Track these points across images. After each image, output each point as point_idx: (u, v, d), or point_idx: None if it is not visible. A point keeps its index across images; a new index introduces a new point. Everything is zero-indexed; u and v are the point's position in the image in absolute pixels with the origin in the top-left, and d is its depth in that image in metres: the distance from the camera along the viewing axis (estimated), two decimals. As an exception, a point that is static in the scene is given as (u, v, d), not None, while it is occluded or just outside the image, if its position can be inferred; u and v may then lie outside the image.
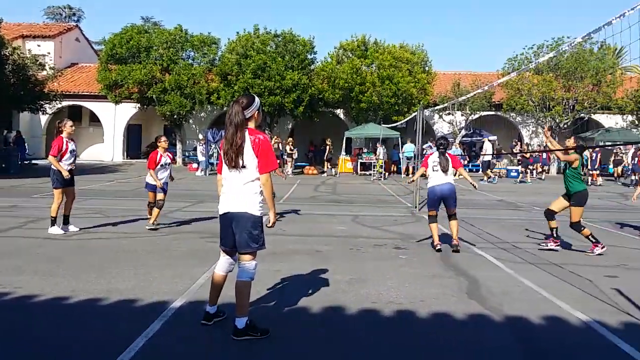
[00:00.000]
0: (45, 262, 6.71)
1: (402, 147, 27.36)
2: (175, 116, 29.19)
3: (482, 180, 23.52)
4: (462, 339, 4.50)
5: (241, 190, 4.32)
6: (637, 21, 5.73)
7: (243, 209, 4.31)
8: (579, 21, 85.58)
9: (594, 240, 8.06)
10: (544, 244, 8.49)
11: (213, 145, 25.53)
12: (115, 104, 30.66)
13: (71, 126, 9.08)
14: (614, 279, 6.58)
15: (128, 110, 32.25)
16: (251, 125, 4.41)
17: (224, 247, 4.52)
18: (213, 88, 29.07)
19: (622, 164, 25.76)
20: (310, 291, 5.69)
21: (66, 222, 9.05)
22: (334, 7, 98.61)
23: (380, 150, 26.98)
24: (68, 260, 6.89)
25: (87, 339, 4.30)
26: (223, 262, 4.58)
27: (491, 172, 24.88)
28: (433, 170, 8.20)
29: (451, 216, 8.26)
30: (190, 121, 32.41)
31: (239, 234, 4.32)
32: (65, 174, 8.76)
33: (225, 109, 30.30)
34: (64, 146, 8.89)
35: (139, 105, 30.41)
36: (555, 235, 8.39)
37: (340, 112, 32.05)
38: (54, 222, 8.87)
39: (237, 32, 29.83)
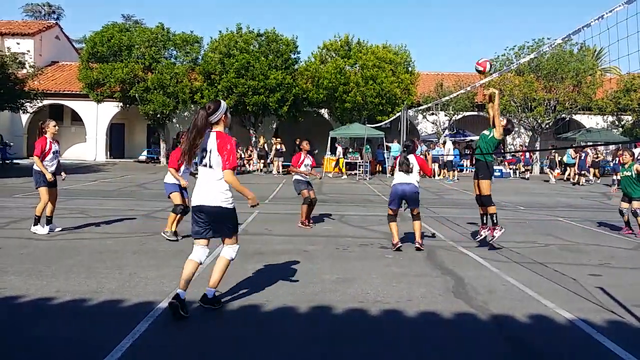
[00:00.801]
0: (30, 263, 6.62)
1: (386, 147, 27.50)
2: (158, 115, 29.01)
3: (447, 179, 23.73)
4: (449, 338, 4.53)
5: (214, 186, 4.74)
6: (615, 23, 5.81)
7: (216, 204, 4.74)
8: (558, 23, 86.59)
9: (495, 221, 8.23)
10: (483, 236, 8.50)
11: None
12: (97, 103, 30.38)
13: (54, 126, 8.93)
14: (598, 277, 6.67)
15: (110, 109, 31.97)
16: (219, 128, 4.83)
17: (198, 237, 4.91)
18: (196, 87, 28.93)
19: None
20: (297, 291, 5.68)
21: (49, 222, 8.93)
22: (317, 6, 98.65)
23: (340, 149, 27.21)
24: (52, 260, 6.80)
25: (73, 339, 4.25)
26: (200, 251, 4.94)
27: (448, 172, 24.99)
28: (398, 170, 8.35)
29: (414, 216, 8.31)
30: (174, 120, 32.21)
31: (217, 225, 4.85)
32: (49, 177, 8.59)
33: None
34: (47, 147, 8.74)
35: (121, 104, 30.16)
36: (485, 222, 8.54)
37: (324, 112, 32.08)
38: (37, 221, 8.72)
39: (220, 31, 29.80)
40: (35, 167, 8.73)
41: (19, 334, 4.35)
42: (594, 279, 6.58)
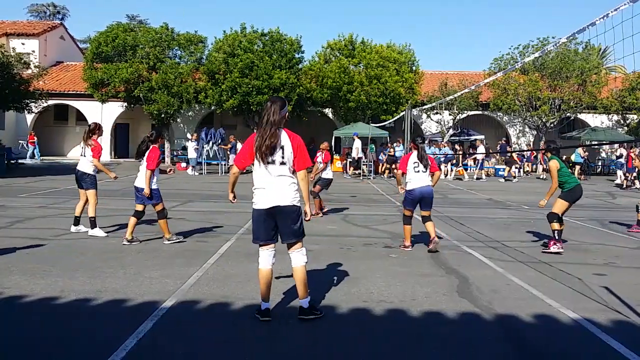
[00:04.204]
0: (34, 263, 6.63)
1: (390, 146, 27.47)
2: (162, 115, 29.02)
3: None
4: (453, 337, 4.52)
5: (284, 183, 4.64)
6: (620, 22, 5.78)
7: (289, 202, 4.64)
8: (563, 21, 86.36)
9: (558, 238, 8.06)
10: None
11: (205, 145, 25.39)
12: (102, 103, 30.39)
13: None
14: (602, 277, 6.64)
15: (115, 109, 32.00)
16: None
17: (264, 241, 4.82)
18: (200, 87, 28.95)
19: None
20: (301, 290, 5.67)
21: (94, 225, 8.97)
22: (321, 6, 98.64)
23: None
24: (56, 260, 6.82)
25: (78, 339, 4.26)
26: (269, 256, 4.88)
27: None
28: (415, 170, 8.04)
29: (427, 217, 8.16)
30: (178, 120, 32.24)
31: (287, 226, 4.75)
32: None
33: (213, 107, 30.20)
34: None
35: (126, 104, 30.19)
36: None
37: (328, 112, 32.04)
38: (94, 223, 8.87)
39: (224, 31, 29.73)
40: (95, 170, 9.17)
41: (23, 333, 4.36)
42: (599, 278, 6.55)
